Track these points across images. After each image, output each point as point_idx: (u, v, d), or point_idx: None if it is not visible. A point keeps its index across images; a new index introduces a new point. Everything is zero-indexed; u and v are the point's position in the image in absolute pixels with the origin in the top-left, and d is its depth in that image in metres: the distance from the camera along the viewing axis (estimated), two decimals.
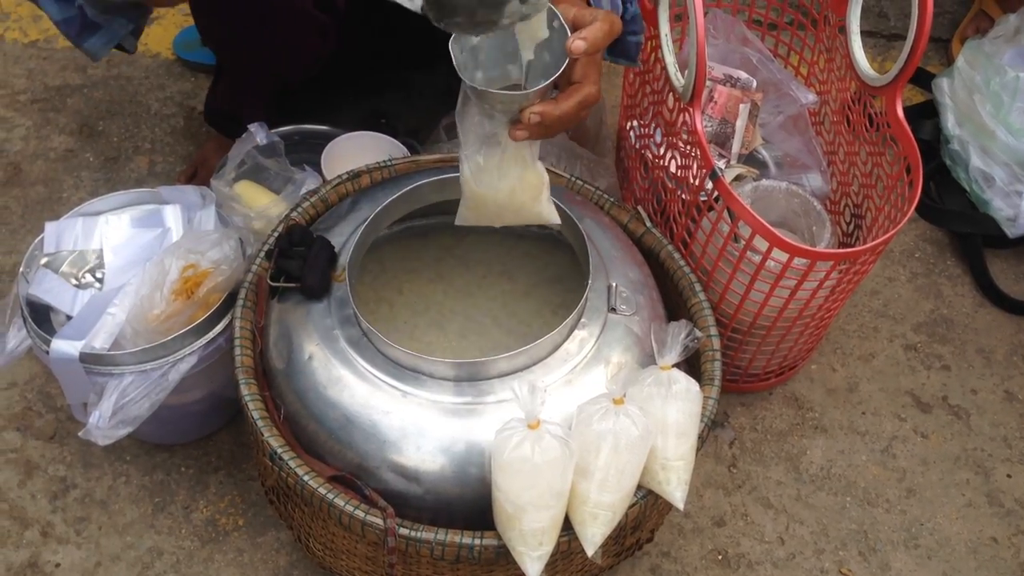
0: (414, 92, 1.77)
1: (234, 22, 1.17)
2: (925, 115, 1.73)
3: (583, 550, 0.97)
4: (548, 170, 1.24)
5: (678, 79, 1.23)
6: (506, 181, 0.97)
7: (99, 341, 1.12)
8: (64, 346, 1.10)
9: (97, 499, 1.30)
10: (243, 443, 1.36)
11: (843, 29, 1.32)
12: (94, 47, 1.16)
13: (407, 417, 1.00)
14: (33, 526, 1.28)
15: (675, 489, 1.00)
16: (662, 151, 1.35)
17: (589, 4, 1.02)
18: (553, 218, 1.03)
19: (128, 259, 1.22)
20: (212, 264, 1.15)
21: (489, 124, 0.93)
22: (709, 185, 1.19)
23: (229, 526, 1.29)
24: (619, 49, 1.17)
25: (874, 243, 1.14)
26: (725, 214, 1.20)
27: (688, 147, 1.25)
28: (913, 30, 1.14)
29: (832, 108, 1.42)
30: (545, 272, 1.31)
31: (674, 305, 1.20)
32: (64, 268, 1.22)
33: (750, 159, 1.45)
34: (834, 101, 1.41)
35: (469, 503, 1.01)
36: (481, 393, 1.01)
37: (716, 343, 1.13)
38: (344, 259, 1.09)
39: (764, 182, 1.34)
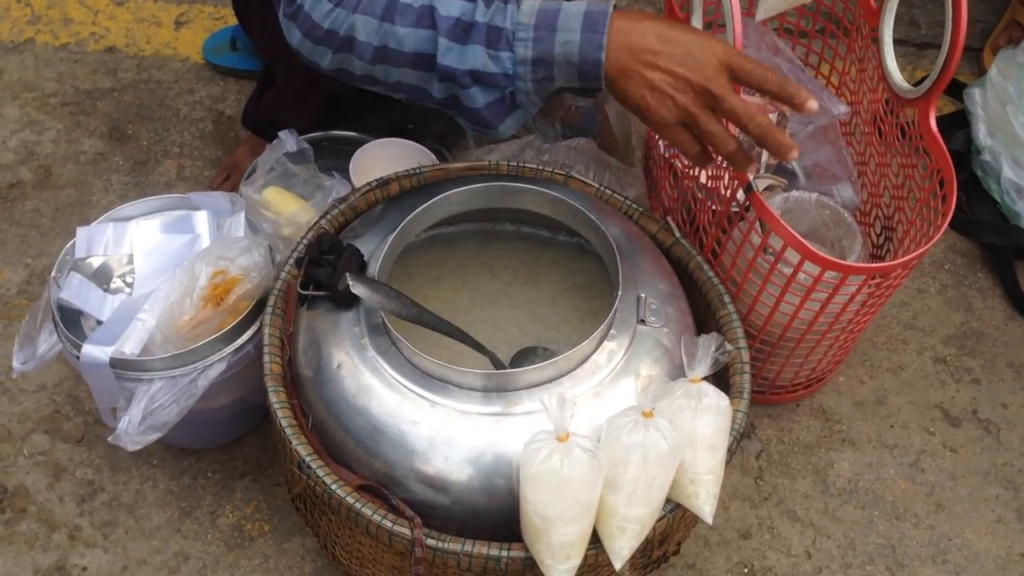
0: None
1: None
2: (956, 125, 1.72)
3: (611, 563, 0.97)
4: (576, 178, 1.25)
5: None
6: None
7: (129, 347, 1.12)
8: (95, 351, 1.11)
9: (124, 503, 1.31)
10: (269, 449, 1.36)
11: (876, 40, 1.31)
12: (507, 127, 1.12)
13: (435, 427, 1.00)
14: (61, 529, 1.29)
15: (704, 503, 0.99)
16: None
17: None
18: None
19: (158, 265, 1.22)
20: (241, 271, 1.16)
21: None
22: (740, 196, 1.18)
23: (255, 532, 1.29)
24: None
25: (907, 258, 1.13)
26: (756, 225, 1.19)
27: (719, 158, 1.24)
28: (947, 42, 1.13)
29: (863, 119, 1.41)
30: (571, 279, 1.31)
31: (703, 316, 1.19)
32: (95, 273, 1.22)
33: (779, 169, 1.44)
34: (865, 112, 1.40)
35: (496, 514, 1.00)
36: (509, 404, 1.01)
37: (745, 355, 1.12)
38: (373, 267, 1.09)
39: (794, 193, 1.33)
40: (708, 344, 1.00)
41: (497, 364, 1.14)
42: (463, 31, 1.04)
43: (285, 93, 1.51)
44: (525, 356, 1.21)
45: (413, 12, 1.05)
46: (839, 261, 1.13)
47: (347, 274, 1.04)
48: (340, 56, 1.10)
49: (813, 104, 1.00)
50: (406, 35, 1.05)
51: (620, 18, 1.02)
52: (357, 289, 1.03)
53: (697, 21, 1.25)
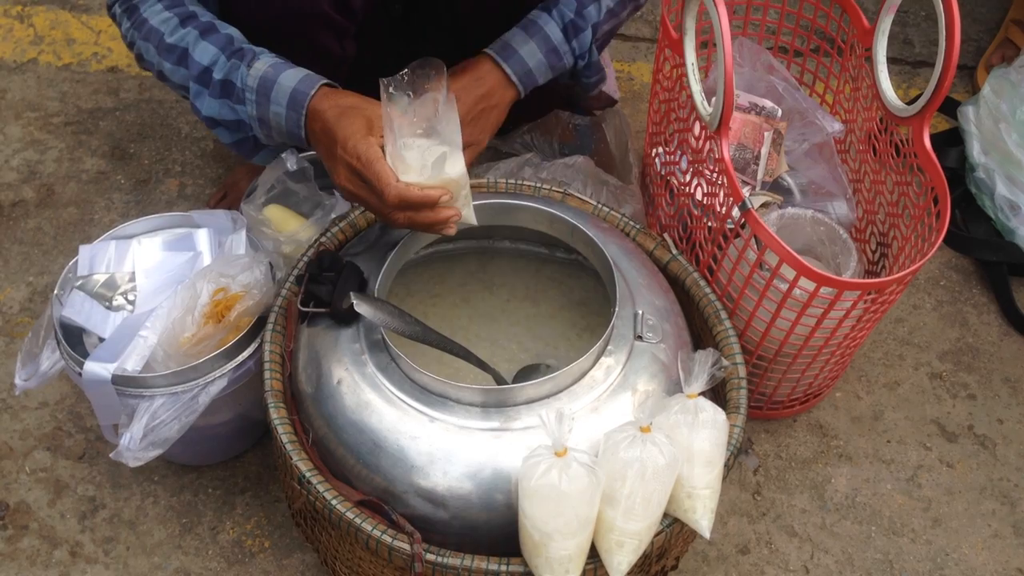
0: None
1: (249, 27, 1.20)
2: (950, 143, 1.73)
3: None
4: (574, 196, 1.26)
5: (705, 108, 1.24)
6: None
7: (131, 363, 1.13)
8: (97, 368, 1.12)
9: (125, 519, 1.31)
10: (269, 464, 1.37)
11: (869, 59, 1.33)
12: (261, 159, 1.29)
13: (434, 442, 1.01)
14: (62, 545, 1.29)
15: (701, 518, 1.00)
16: (688, 178, 1.36)
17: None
18: (470, 221, 1.10)
19: (160, 282, 1.24)
20: (242, 288, 1.17)
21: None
22: (736, 213, 1.20)
23: (255, 548, 1.30)
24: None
25: (901, 274, 1.14)
26: (752, 242, 1.20)
27: (715, 175, 1.25)
28: (941, 62, 1.15)
29: (858, 136, 1.42)
30: (569, 296, 1.32)
31: (699, 332, 1.20)
32: (97, 291, 1.23)
33: (775, 186, 1.45)
34: (860, 129, 1.41)
35: (495, 529, 1.01)
36: (508, 419, 1.02)
37: (742, 371, 1.13)
38: (373, 285, 1.10)
39: (790, 210, 1.35)
40: (705, 360, 1.01)
41: (500, 382, 1.15)
42: (208, 80, 1.17)
43: None
44: (528, 373, 1.22)
45: (175, 52, 1.18)
46: (834, 277, 1.14)
47: (351, 293, 1.05)
48: (140, 63, 1.24)
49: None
50: (172, 70, 1.19)
51: (320, 99, 1.11)
52: (361, 308, 1.04)
53: (690, 42, 1.27)
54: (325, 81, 1.13)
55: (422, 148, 1.02)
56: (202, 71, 1.16)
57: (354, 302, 1.04)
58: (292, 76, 1.12)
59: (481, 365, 1.13)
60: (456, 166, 1.04)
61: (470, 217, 1.09)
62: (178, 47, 1.17)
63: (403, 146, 1.02)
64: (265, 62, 1.14)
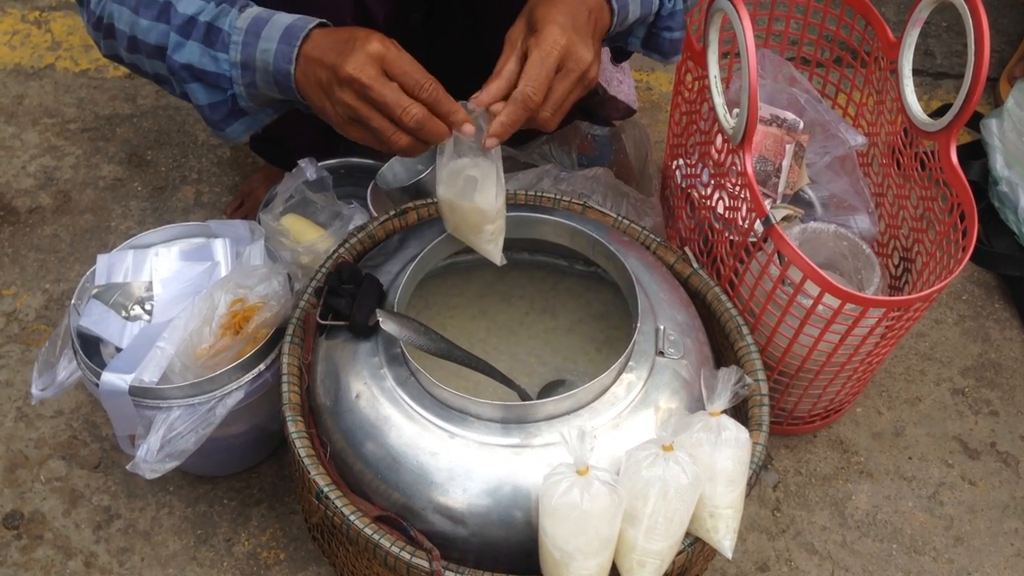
0: None
1: None
2: (973, 155, 1.72)
3: None
4: (594, 208, 1.25)
5: (727, 120, 1.23)
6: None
7: (148, 374, 1.12)
8: (114, 379, 1.11)
9: (140, 530, 1.31)
10: (285, 476, 1.36)
11: (894, 72, 1.31)
12: (235, 132, 1.14)
13: (454, 458, 1.00)
14: (76, 556, 1.28)
15: (723, 538, 0.99)
16: (709, 191, 1.34)
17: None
18: (492, 258, 1.10)
19: (177, 292, 1.23)
20: (260, 299, 1.16)
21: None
22: (759, 227, 1.18)
23: (271, 560, 1.29)
24: (651, 43, 1.20)
25: (927, 291, 1.13)
26: (775, 257, 1.19)
27: (737, 188, 1.24)
28: (969, 77, 1.13)
29: (881, 150, 1.41)
30: (588, 309, 1.31)
31: (720, 347, 1.19)
32: (114, 300, 1.23)
33: (796, 199, 1.44)
34: (883, 143, 1.40)
35: (514, 546, 1.00)
36: (528, 436, 1.01)
37: (764, 388, 1.11)
38: (392, 297, 1.09)
39: (812, 224, 1.33)
40: (728, 377, 0.99)
41: (525, 399, 1.14)
42: (192, 28, 1.07)
43: None
44: (552, 389, 1.21)
45: (156, 7, 1.08)
46: (860, 294, 1.13)
47: (377, 310, 1.04)
48: (109, 43, 1.15)
49: (469, 128, 1.01)
50: (149, 28, 1.09)
51: (321, 33, 1.03)
52: (387, 325, 1.03)
53: (713, 53, 1.26)
54: (323, 20, 1.06)
55: (468, 168, 1.02)
56: (186, 21, 1.07)
57: (380, 320, 1.03)
58: (289, 16, 1.05)
59: (506, 382, 1.12)
60: (487, 199, 1.04)
61: (493, 254, 1.09)
62: (158, 1, 1.08)
63: (458, 164, 1.02)
64: (260, 9, 1.06)
